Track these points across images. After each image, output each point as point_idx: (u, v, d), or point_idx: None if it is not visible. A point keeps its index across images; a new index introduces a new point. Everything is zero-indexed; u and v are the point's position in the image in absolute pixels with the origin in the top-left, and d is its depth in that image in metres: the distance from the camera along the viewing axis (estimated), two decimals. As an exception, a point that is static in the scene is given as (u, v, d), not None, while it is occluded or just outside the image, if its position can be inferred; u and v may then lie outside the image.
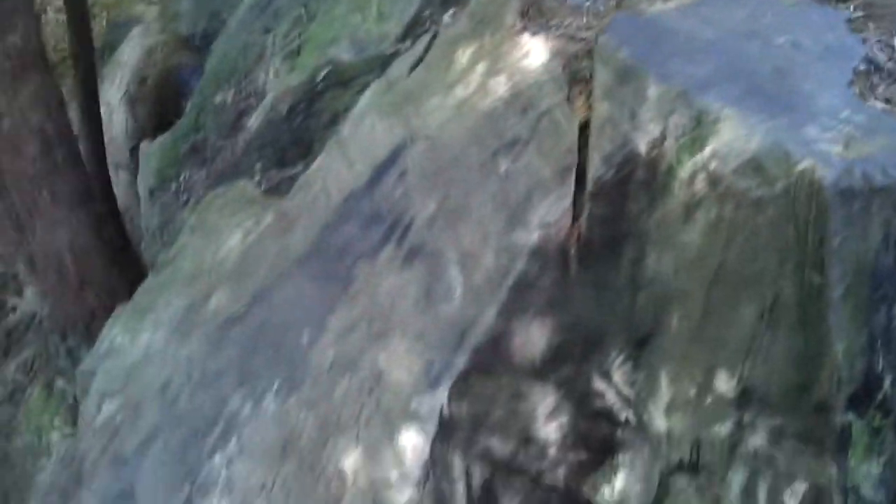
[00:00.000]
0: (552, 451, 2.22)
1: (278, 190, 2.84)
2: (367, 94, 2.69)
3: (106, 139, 4.93)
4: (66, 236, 4.13)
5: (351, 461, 2.07)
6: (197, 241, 2.90)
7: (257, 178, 2.89)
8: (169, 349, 2.72)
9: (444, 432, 1.99)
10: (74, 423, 4.80)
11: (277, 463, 2.22)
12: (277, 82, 3.05)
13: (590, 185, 1.99)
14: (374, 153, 2.55)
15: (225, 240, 2.80)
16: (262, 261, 2.65)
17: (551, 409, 2.17)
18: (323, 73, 2.92)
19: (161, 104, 5.54)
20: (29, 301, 6.13)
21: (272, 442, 2.27)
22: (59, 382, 5.11)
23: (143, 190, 3.31)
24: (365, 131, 2.63)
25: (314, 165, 2.69)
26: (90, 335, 4.47)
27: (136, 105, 5.54)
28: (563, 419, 2.18)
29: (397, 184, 2.43)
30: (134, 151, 5.45)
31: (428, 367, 2.06)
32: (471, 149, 2.31)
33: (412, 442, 2.00)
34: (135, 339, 2.86)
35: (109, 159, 4.75)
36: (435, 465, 1.98)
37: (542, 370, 2.12)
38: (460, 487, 2.10)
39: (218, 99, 3.21)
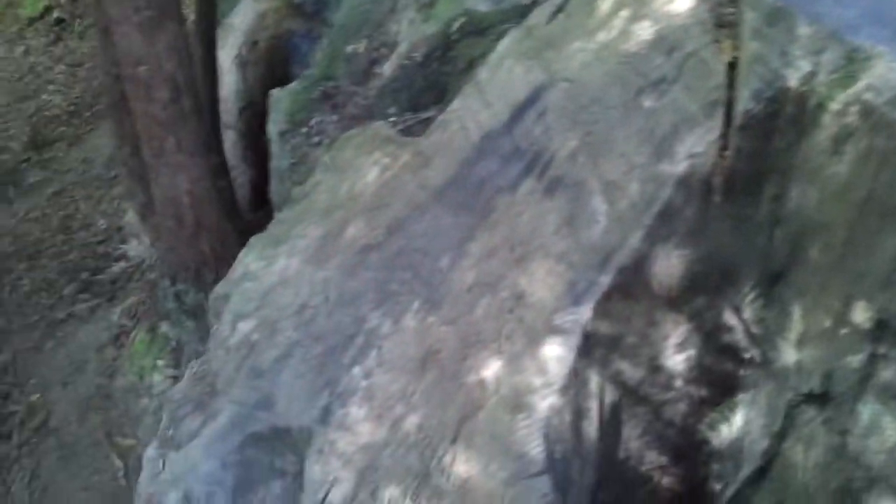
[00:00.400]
0: (677, 383, 2.32)
1: (412, 132, 2.99)
2: (505, 40, 2.82)
3: (216, 99, 5.23)
4: (186, 183, 4.36)
5: (492, 371, 2.21)
6: (331, 178, 3.07)
7: (391, 120, 3.04)
8: (305, 274, 2.89)
9: (585, 348, 2.11)
10: (177, 365, 5.07)
11: (418, 373, 2.37)
12: (411, 32, 3.20)
13: (737, 120, 2.09)
14: (512, 95, 2.68)
15: (361, 175, 2.96)
16: (399, 194, 2.80)
17: (681, 340, 2.27)
18: (458, 23, 3.06)
19: (271, 68, 5.78)
20: (134, 250, 6.46)
21: (412, 355, 2.41)
22: (163, 327, 5.37)
23: (273, 133, 3.50)
24: (503, 75, 2.77)
25: (451, 107, 2.83)
26: (199, 280, 4.73)
27: (246, 68, 5.78)
28: (691, 352, 2.28)
29: (537, 122, 2.56)
30: (243, 111, 5.71)
31: (571, 286, 2.18)
32: (613, 89, 2.42)
33: (556, 353, 2.13)
34: (270, 266, 3.03)
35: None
36: (577, 377, 2.10)
37: (677, 299, 2.23)
38: (594, 405, 2.22)
39: (349, 49, 3.37)
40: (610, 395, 2.26)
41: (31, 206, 7.66)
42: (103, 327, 6.21)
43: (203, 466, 2.67)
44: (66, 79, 9.56)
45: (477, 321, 2.34)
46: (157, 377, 5.40)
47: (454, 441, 2.19)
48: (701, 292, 2.25)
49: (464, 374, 2.28)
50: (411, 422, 2.32)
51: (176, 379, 5.35)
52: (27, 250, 7.09)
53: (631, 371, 2.30)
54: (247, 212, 5.62)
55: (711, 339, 2.31)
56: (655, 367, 2.33)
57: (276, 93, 3.65)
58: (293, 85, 3.56)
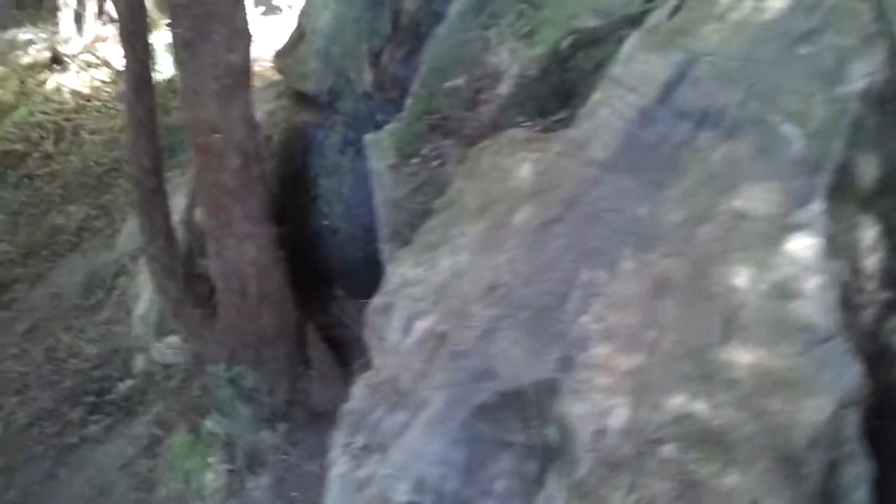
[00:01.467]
0: (868, 286, 2.66)
1: (546, 132, 3.32)
2: (630, 41, 3.26)
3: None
4: (253, 252, 4.48)
5: (742, 277, 2.46)
6: (475, 183, 3.32)
7: (524, 126, 3.37)
8: (479, 263, 3.08)
9: (828, 235, 2.42)
10: (231, 459, 4.92)
11: (655, 302, 2.59)
12: (516, 58, 3.60)
13: (897, 42, 2.56)
14: (656, 76, 3.09)
15: (510, 173, 3.24)
16: (563, 176, 3.09)
17: (872, 242, 2.63)
18: (568, 41, 3.49)
19: (287, 159, 6.02)
20: (141, 366, 6.28)
21: (642, 290, 2.63)
22: (208, 423, 5.22)
23: (381, 168, 3.73)
24: (639, 65, 3.18)
25: (592, 99, 3.20)
26: (259, 359, 4.71)
27: (262, 161, 5.94)
28: (881, 254, 2.63)
29: (693, 89, 2.97)
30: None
31: (792, 193, 2.51)
32: (761, 49, 2.87)
33: (804, 243, 2.42)
34: (432, 268, 3.20)
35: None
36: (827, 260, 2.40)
37: (869, 201, 2.60)
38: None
39: (447, 85, 3.72)
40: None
41: (3, 344, 7.29)
42: (126, 443, 5.89)
43: (431, 450, 2.72)
44: (7, 226, 9.31)
45: (702, 245, 2.61)
46: (208, 476, 5.16)
47: (725, 340, 2.39)
48: (888, 194, 2.63)
49: (709, 288, 2.51)
50: (669, 340, 2.51)
51: (233, 473, 5.14)
52: (13, 385, 6.70)
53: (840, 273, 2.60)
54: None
55: (896, 240, 2.66)
56: (855, 270, 2.65)
57: (371, 136, 3.91)
58: (393, 125, 3.83)
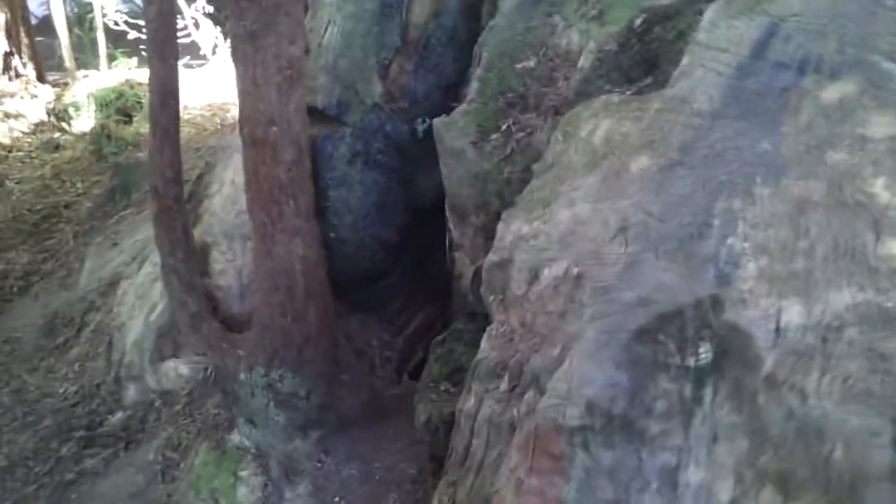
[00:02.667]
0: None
1: (639, 94, 3.59)
2: (709, 11, 3.61)
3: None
4: (301, 248, 4.49)
5: (879, 187, 2.78)
6: (574, 143, 3.53)
7: (615, 91, 3.63)
8: (602, 210, 3.26)
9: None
10: (266, 470, 4.82)
11: (801, 217, 2.85)
12: (589, 36, 3.89)
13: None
14: (745, 37, 3.44)
15: (615, 129, 3.48)
16: (671, 128, 3.35)
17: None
18: (641, 19, 3.81)
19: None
20: (134, 395, 6.02)
21: (784, 210, 2.89)
22: (234, 437, 5.07)
23: (459, 146, 3.89)
24: (724, 31, 3.53)
25: (683, 63, 3.51)
26: (300, 360, 4.68)
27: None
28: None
29: (785, 45, 3.32)
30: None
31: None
32: (846, 6, 3.27)
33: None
34: (550, 220, 3.36)
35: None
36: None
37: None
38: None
39: (519, 66, 3.96)
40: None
41: (-38, 391, 6.76)
42: (133, 472, 5.57)
43: (597, 375, 2.84)
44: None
45: (833, 166, 2.91)
46: (241, 491, 4.97)
47: (879, 239, 2.67)
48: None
49: (850, 199, 2.80)
50: (822, 247, 2.76)
51: (269, 485, 4.98)
52: (-21, 433, 6.22)
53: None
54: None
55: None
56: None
57: (442, 119, 4.06)
58: (464, 107, 4.00)
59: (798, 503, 2.48)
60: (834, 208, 2.78)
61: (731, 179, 3.04)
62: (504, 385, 3.06)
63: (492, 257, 3.36)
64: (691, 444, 2.80)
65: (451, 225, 4.21)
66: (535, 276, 3.24)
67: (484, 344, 3.18)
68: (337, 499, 4.93)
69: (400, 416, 5.65)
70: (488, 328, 3.23)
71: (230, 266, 6.04)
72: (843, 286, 2.59)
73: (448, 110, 5.88)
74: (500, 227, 3.46)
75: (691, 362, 2.87)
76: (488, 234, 3.84)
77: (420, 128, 6.14)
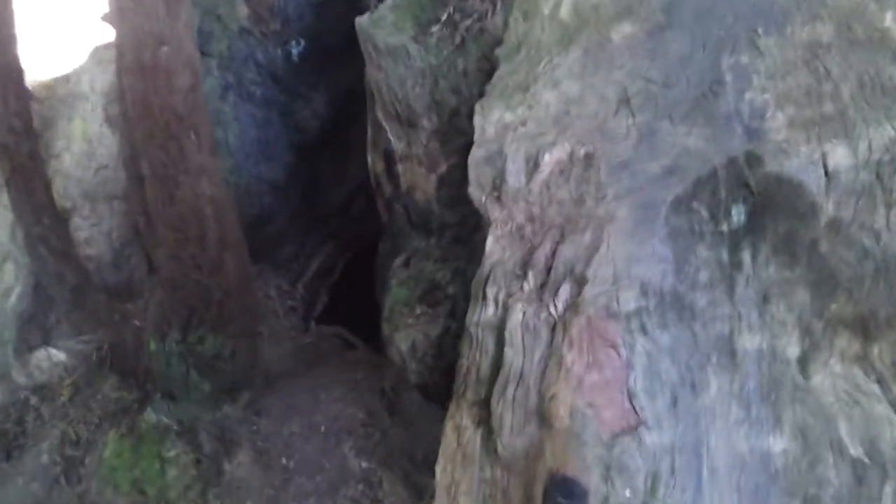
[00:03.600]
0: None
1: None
2: None
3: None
4: (209, 188, 3.92)
5: (890, 19, 2.73)
6: (538, 21, 3.25)
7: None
8: (596, 83, 3.02)
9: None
10: (196, 446, 4.28)
11: (816, 61, 2.76)
12: None
13: None
14: None
15: (582, 1, 3.22)
16: (645, -7, 3.14)
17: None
18: None
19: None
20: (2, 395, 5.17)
21: (796, 55, 2.79)
22: (149, 415, 4.43)
23: (396, 43, 3.48)
24: None
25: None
26: (221, 317, 4.15)
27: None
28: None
29: None
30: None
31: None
32: None
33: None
34: (536, 104, 3.07)
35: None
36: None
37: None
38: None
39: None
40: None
41: None
42: (25, 482, 4.74)
43: (643, 252, 2.65)
44: None
45: (841, 5, 2.83)
46: (171, 475, 4.35)
47: (906, 70, 2.63)
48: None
49: (863, 35, 2.74)
50: (848, 84, 2.69)
51: (203, 461, 4.40)
52: None
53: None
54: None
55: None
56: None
57: (364, 18, 3.60)
58: (387, 1, 3.58)
59: (880, 343, 2.41)
60: (849, 48, 2.69)
61: (730, 34, 2.88)
62: (530, 285, 2.75)
63: (477, 153, 3.01)
64: (739, 310, 2.66)
65: (390, 135, 3.76)
66: (534, 164, 2.93)
67: (492, 247, 2.85)
68: (284, 460, 4.42)
69: (326, 364, 5.19)
70: (491, 230, 2.90)
71: (97, 232, 5.22)
72: (881, 120, 2.51)
73: (326, 28, 5.34)
74: (476, 120, 3.10)
75: (724, 227, 2.72)
76: (444, 138, 3.47)
77: (295, 51, 5.56)
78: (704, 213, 2.73)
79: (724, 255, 2.72)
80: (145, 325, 4.38)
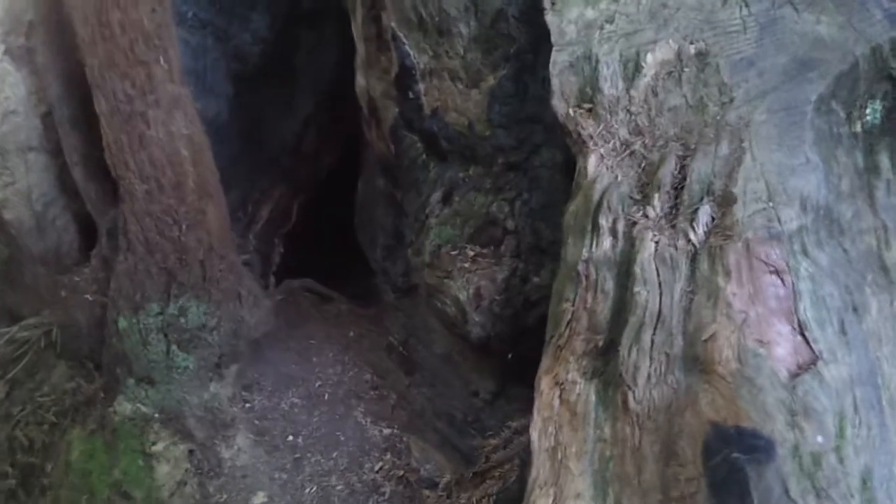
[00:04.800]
0: None
1: None
2: None
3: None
4: (183, 125, 3.25)
5: None
6: None
7: None
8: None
9: None
10: (186, 434, 3.68)
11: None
12: None
13: None
14: None
15: None
16: None
17: None
18: None
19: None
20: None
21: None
22: (126, 406, 3.76)
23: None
24: None
25: None
26: (205, 280, 3.53)
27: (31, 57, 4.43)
28: None
29: None
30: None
31: None
32: None
33: None
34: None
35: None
36: None
37: None
38: None
39: None
40: None
41: None
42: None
43: (796, 161, 2.29)
44: None
45: None
46: (161, 471, 3.72)
47: None
48: None
49: None
50: None
51: (197, 452, 3.79)
52: None
53: None
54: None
55: None
56: None
57: None
58: None
59: None
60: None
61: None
62: (657, 210, 2.33)
63: (559, 58, 2.52)
64: (883, 220, 2.35)
65: (408, 48, 3.17)
66: (633, 68, 2.48)
67: (596, 168, 2.40)
68: (291, 437, 3.87)
69: (307, 323, 4.60)
70: (587, 151, 2.43)
71: (11, 192, 4.33)
72: None
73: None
74: (550, 19, 2.61)
75: (858, 127, 2.38)
76: (488, 46, 2.93)
77: (229, -38, 4.75)
78: (841, 113, 2.37)
79: (860, 160, 2.41)
80: (102, 299, 3.62)
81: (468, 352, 3.46)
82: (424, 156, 3.39)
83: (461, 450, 3.46)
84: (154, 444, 3.72)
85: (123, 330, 3.60)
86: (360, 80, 3.63)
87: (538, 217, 2.95)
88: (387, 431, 3.80)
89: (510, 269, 2.89)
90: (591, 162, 2.46)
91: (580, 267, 2.45)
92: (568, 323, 2.52)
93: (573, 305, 2.51)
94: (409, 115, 3.40)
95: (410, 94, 3.32)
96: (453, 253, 3.00)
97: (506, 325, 2.96)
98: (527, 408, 3.44)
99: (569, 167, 2.92)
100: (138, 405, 3.72)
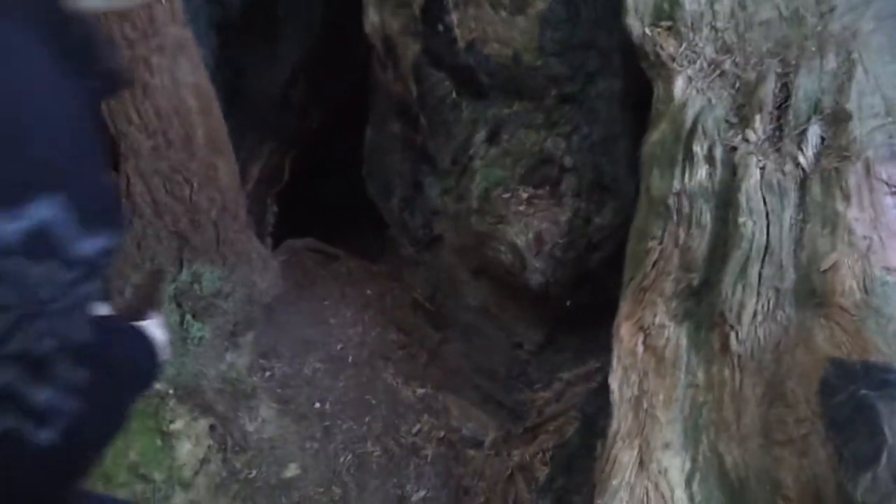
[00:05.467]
0: None
1: None
2: None
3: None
4: (190, 73, 2.93)
5: None
6: None
7: None
8: None
9: None
10: (205, 411, 3.42)
11: None
12: None
13: None
14: None
15: None
16: None
17: None
18: None
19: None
20: None
21: None
22: None
23: None
24: None
25: None
26: (220, 243, 3.25)
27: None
28: None
29: None
30: None
31: None
32: None
33: None
34: None
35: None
36: None
37: None
38: None
39: None
40: None
41: None
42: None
43: None
44: None
45: None
46: (184, 449, 3.45)
47: None
48: None
49: None
50: None
51: (219, 427, 3.54)
52: None
53: None
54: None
55: None
56: None
57: None
58: None
59: None
60: None
61: None
62: (759, 132, 2.12)
63: None
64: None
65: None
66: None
67: (685, 92, 2.18)
68: (318, 404, 3.62)
69: (316, 283, 4.32)
70: (671, 73, 2.20)
71: None
72: None
73: None
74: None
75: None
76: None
77: None
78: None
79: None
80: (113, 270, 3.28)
81: (508, 301, 3.24)
82: (454, 94, 3.11)
83: (506, 405, 3.26)
84: (172, 422, 3.43)
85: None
86: (373, 17, 3.31)
87: (598, 152, 2.72)
88: (420, 391, 3.58)
89: (572, 210, 2.66)
90: (678, 85, 2.22)
91: (670, 200, 2.24)
92: (654, 263, 2.31)
93: (661, 243, 2.30)
94: (438, 50, 3.10)
95: (440, 27, 3.02)
96: (506, 196, 2.75)
97: (567, 269, 2.74)
98: (578, 357, 3.26)
99: (626, 97, 2.69)
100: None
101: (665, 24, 2.32)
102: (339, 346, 3.80)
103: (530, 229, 2.71)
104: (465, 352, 3.48)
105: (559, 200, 2.69)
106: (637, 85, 2.42)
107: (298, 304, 4.04)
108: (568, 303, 2.82)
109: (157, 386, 3.54)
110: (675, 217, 2.24)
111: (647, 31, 2.33)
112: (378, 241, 4.50)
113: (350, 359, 3.76)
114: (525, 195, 2.77)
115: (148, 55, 2.79)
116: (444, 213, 3.46)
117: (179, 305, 3.34)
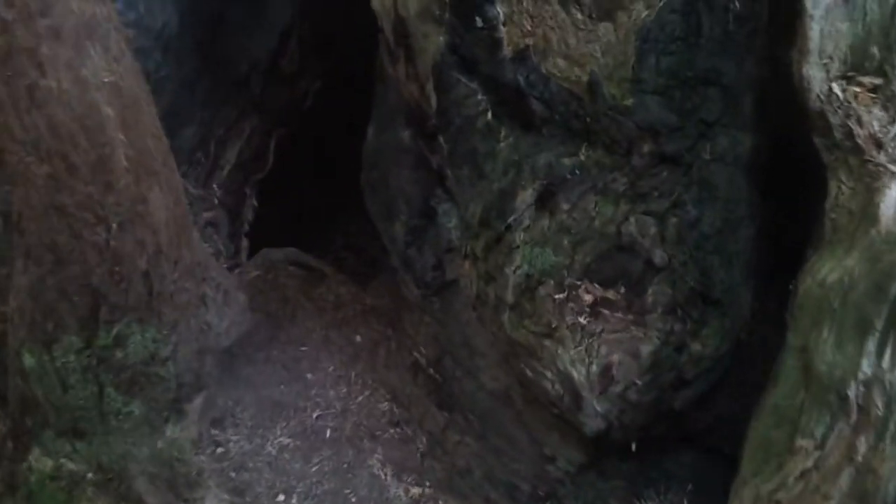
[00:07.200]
0: None
1: None
2: None
3: None
4: (102, 63, 1.99)
5: None
6: None
7: None
8: None
9: None
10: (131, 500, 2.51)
11: None
12: None
13: None
14: None
15: None
16: None
17: None
18: None
19: None
20: None
21: None
22: (45, 461, 2.60)
23: None
24: None
25: None
26: (150, 299, 2.31)
27: None
28: None
29: None
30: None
31: None
32: None
33: None
34: None
35: None
36: None
37: None
38: None
39: None
40: None
41: None
42: None
43: None
44: None
45: None
46: None
47: None
48: None
49: None
50: None
51: None
52: None
53: None
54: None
55: None
56: None
57: None
58: None
59: None
60: None
61: None
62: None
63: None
64: None
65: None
66: None
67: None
68: (281, 497, 2.76)
69: (296, 313, 3.41)
70: (885, 178, 1.22)
71: None
72: None
73: None
74: None
75: None
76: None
77: None
78: None
79: None
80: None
81: (542, 404, 2.33)
82: (490, 116, 2.14)
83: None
84: (81, 510, 2.57)
85: (31, 369, 2.38)
86: (383, -10, 2.32)
87: (708, 247, 1.76)
88: (415, 491, 2.76)
89: (661, 334, 1.71)
90: (890, 197, 1.25)
91: (851, 390, 1.29)
92: (804, 474, 1.39)
93: (820, 447, 1.37)
94: (471, 51, 2.12)
95: (478, 20, 2.03)
96: (558, 296, 1.79)
97: (640, 413, 1.81)
98: (632, 488, 2.40)
99: (757, 164, 1.72)
100: (63, 460, 2.56)
101: (870, 80, 1.34)
102: (314, 415, 2.97)
103: (595, 358, 1.76)
104: (478, 450, 2.61)
105: (642, 315, 1.74)
106: (777, 147, 1.47)
107: (269, 348, 3.15)
108: (633, 447, 1.92)
109: (71, 466, 2.68)
110: (853, 416, 1.30)
111: (837, 88, 1.35)
112: (378, 241, 3.57)
113: (328, 433, 2.93)
114: (589, 298, 1.82)
115: (33, 44, 1.83)
116: (460, 252, 2.56)
117: (96, 377, 2.44)
